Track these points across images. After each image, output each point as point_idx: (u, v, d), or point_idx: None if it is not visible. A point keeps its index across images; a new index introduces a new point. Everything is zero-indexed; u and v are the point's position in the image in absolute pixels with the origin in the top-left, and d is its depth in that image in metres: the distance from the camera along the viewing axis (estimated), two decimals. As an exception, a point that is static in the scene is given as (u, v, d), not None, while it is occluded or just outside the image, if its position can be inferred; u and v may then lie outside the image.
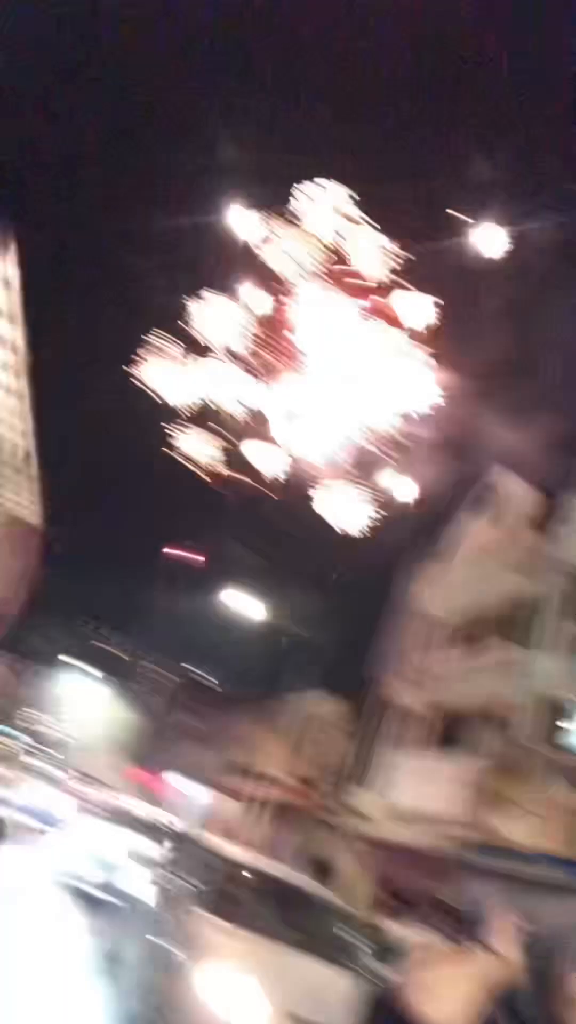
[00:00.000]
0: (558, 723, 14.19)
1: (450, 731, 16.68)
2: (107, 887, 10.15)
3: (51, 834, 15.07)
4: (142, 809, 15.69)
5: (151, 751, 46.17)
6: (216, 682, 54.52)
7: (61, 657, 66.17)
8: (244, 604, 24.28)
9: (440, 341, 10.58)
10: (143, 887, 7.68)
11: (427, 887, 12.80)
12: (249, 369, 10.75)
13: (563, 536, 16.16)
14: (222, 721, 37.28)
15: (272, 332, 10.70)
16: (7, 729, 19.98)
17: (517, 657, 15.49)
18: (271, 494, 11.28)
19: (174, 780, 38.19)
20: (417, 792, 15.75)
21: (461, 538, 20.39)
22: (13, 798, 21.60)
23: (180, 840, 8.01)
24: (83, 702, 61.97)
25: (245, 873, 7.41)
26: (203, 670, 59.04)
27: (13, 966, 5.96)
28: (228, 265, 10.80)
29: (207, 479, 11.35)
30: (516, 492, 18.87)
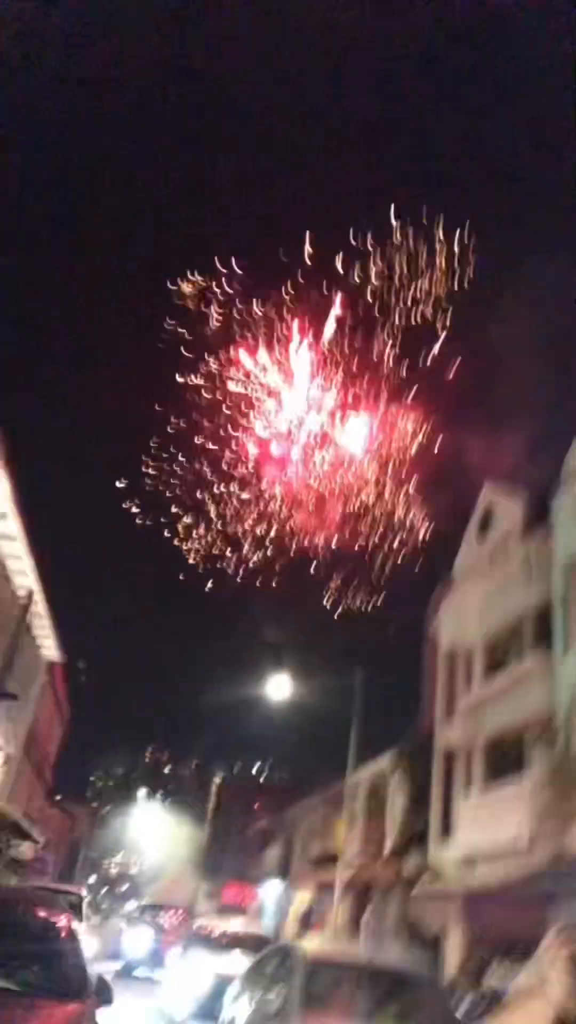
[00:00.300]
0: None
1: (502, 759, 16.59)
2: (206, 1014, 10.20)
3: (159, 976, 15.01)
4: (236, 927, 15.56)
5: (231, 864, 45.13)
6: (275, 776, 53.69)
7: (116, 790, 65.14)
8: (284, 691, 24.19)
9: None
10: (244, 1004, 7.64)
11: (522, 925, 12.59)
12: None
13: (558, 535, 16.44)
14: (291, 816, 36.65)
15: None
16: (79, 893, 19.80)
17: (544, 667, 15.60)
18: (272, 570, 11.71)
19: (262, 887, 37.37)
20: (486, 830, 15.59)
21: (466, 562, 20.70)
22: (117, 951, 21.32)
23: (278, 953, 7.91)
24: (155, 831, 60.97)
25: (346, 971, 7.31)
26: (260, 767, 58.20)
27: None
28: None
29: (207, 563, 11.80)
30: (509, 504, 19.26)
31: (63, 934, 5.17)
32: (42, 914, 5.50)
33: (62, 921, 5.37)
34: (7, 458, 13.52)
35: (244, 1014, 7.38)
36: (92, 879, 71.08)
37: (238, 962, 10.48)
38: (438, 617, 21.55)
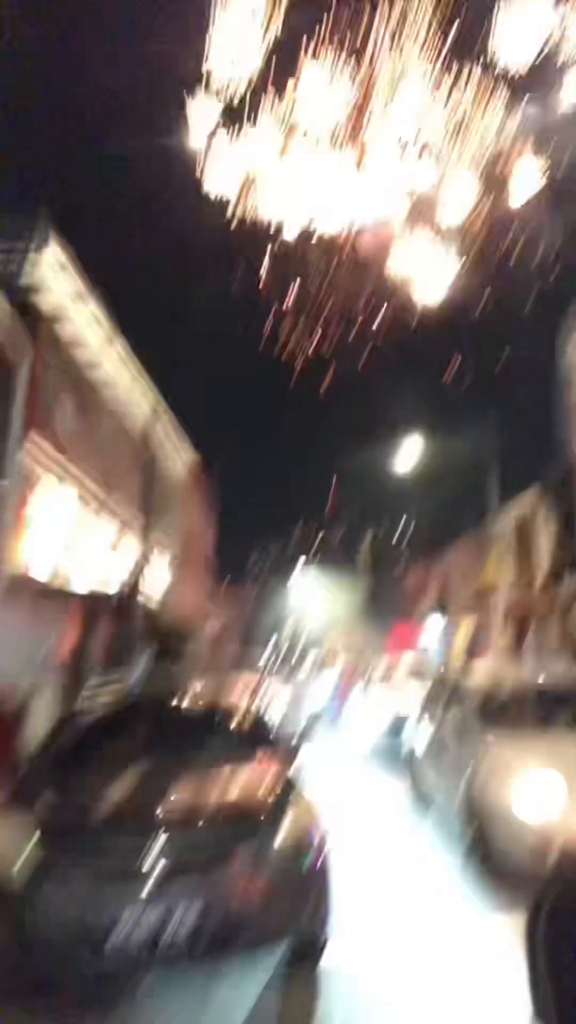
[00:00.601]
0: None
1: None
2: (401, 744, 11.68)
3: (346, 717, 17.25)
4: (408, 665, 17.13)
5: (393, 611, 48.86)
6: (423, 526, 55.89)
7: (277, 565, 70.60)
8: (419, 451, 24.35)
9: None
10: (425, 728, 8.67)
11: None
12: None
13: None
14: (443, 561, 38.48)
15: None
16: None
17: None
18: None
19: (425, 627, 40.48)
20: None
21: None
22: (304, 702, 24.49)
23: (450, 683, 8.73)
24: (317, 595, 66.60)
25: (515, 690, 7.98)
26: (407, 522, 60.59)
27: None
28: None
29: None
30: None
31: (250, 706, 5.98)
32: (230, 692, 6.34)
33: (248, 695, 6.18)
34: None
35: (425, 740, 8.41)
36: (273, 641, 79.54)
37: (413, 696, 11.68)
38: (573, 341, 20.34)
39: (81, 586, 14.03)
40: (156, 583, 17.59)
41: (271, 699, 15.97)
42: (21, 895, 3.82)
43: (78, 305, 14.09)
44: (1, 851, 4.06)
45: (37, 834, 4.06)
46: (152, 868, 3.81)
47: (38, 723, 11.51)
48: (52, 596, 13.23)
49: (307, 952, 4.33)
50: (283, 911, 4.02)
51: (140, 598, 14.99)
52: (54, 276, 12.98)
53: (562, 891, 1.29)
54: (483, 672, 11.08)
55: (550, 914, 1.25)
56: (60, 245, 12.39)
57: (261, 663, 21.77)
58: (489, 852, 5.68)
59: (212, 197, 10.48)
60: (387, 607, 48.79)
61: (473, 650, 30.18)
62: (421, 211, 11.28)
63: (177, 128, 10.38)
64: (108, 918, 3.70)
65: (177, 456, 26.06)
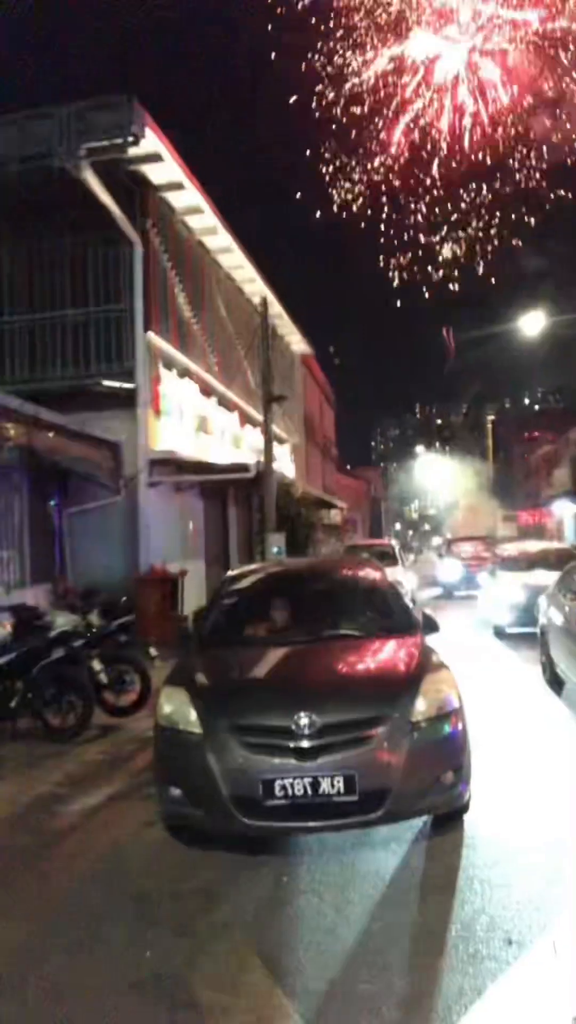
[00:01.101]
0: None
1: None
2: (523, 622, 11.66)
3: (477, 595, 17.36)
4: (535, 546, 16.77)
5: (522, 490, 47.50)
6: (549, 401, 53.24)
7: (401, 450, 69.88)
8: (539, 325, 23.13)
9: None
10: (557, 613, 8.60)
11: None
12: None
13: None
14: (573, 435, 36.72)
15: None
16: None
17: None
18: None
19: (556, 506, 39.20)
20: None
21: None
22: (435, 579, 24.79)
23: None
24: (441, 476, 65.68)
25: None
26: (532, 397, 57.84)
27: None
28: None
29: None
30: None
31: (384, 586, 6.04)
32: (363, 573, 6.42)
33: (380, 576, 6.23)
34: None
35: (560, 619, 8.30)
36: (398, 526, 79.89)
37: (545, 576, 11.48)
38: None
39: (217, 468, 14.48)
40: (280, 471, 17.89)
41: (400, 578, 16.21)
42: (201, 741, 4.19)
43: (177, 193, 13.81)
44: (172, 709, 4.44)
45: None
46: (301, 738, 4.04)
47: (191, 595, 12.37)
48: (194, 472, 13.76)
49: (448, 816, 4.53)
50: (425, 777, 4.19)
51: (274, 478, 15.29)
52: (151, 167, 12.72)
53: None
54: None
55: None
56: (157, 135, 12.04)
57: (388, 543, 21.90)
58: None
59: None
60: (517, 485, 47.51)
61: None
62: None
63: None
64: (261, 783, 3.99)
65: (293, 345, 25.76)
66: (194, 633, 5.71)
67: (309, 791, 3.97)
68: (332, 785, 3.97)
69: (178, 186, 13.60)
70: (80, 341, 12.90)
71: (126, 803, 5.38)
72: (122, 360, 12.71)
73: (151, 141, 12.03)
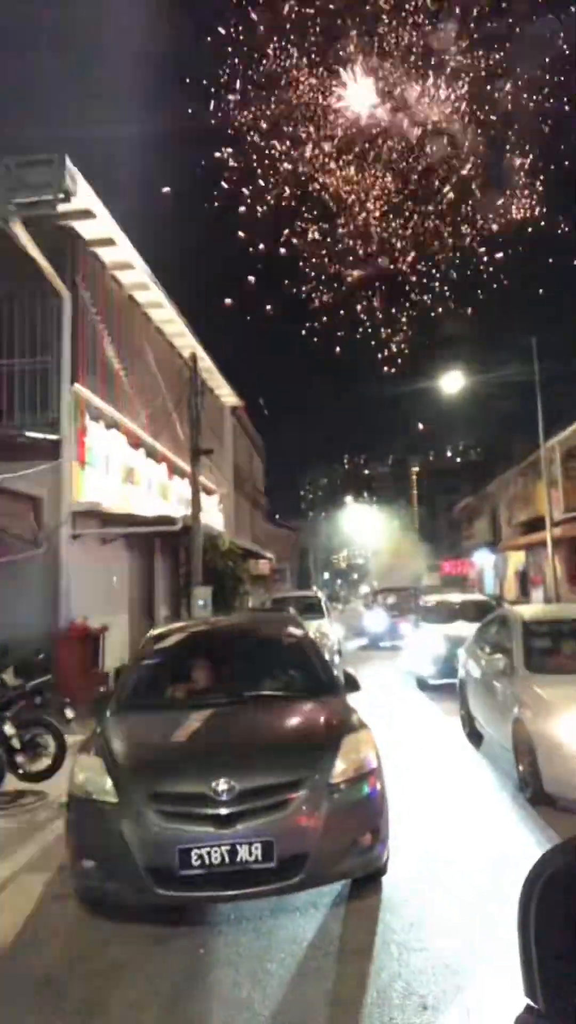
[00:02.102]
0: None
1: None
2: (444, 673, 11.88)
3: (401, 645, 17.62)
4: (456, 598, 17.16)
5: (445, 541, 48.69)
6: (471, 455, 55.15)
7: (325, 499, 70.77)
8: (459, 383, 24.15)
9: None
10: (474, 666, 8.79)
11: None
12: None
13: None
14: (492, 489, 37.96)
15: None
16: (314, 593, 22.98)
17: None
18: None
19: (477, 557, 40.29)
20: None
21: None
22: (361, 629, 25.07)
23: (499, 618, 8.80)
24: (368, 525, 66.75)
25: (563, 627, 8.00)
26: (454, 450, 59.83)
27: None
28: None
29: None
30: None
31: (306, 644, 6.09)
32: (285, 631, 6.46)
33: (302, 634, 6.28)
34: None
35: (477, 672, 8.51)
36: (326, 575, 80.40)
37: (465, 627, 11.78)
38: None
39: (143, 520, 14.36)
40: (208, 522, 17.88)
41: (326, 630, 16.30)
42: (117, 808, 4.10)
43: (108, 249, 13.98)
44: (85, 778, 4.34)
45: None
46: (218, 804, 4.00)
47: (113, 651, 12.10)
48: (119, 524, 13.60)
49: (367, 878, 4.53)
50: (343, 840, 4.20)
51: (201, 531, 15.26)
52: (82, 223, 12.86)
53: (561, 867, 1.24)
54: (531, 609, 11.08)
55: (546, 890, 1.20)
56: (88, 192, 12.21)
57: (314, 595, 22.09)
58: (539, 787, 5.79)
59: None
60: (440, 536, 48.66)
61: (525, 581, 30.02)
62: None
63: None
64: (177, 852, 3.92)
65: (223, 397, 26.02)
66: (112, 695, 5.62)
67: (227, 859, 3.93)
68: (250, 852, 3.94)
69: (109, 242, 13.76)
70: (4, 392, 12.75)
71: (38, 875, 5.18)
72: (47, 411, 12.60)
73: (83, 198, 12.18)
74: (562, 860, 1.24)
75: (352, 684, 5.70)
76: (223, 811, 3.99)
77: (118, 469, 14.65)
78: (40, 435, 11.98)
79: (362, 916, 4.34)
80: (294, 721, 4.95)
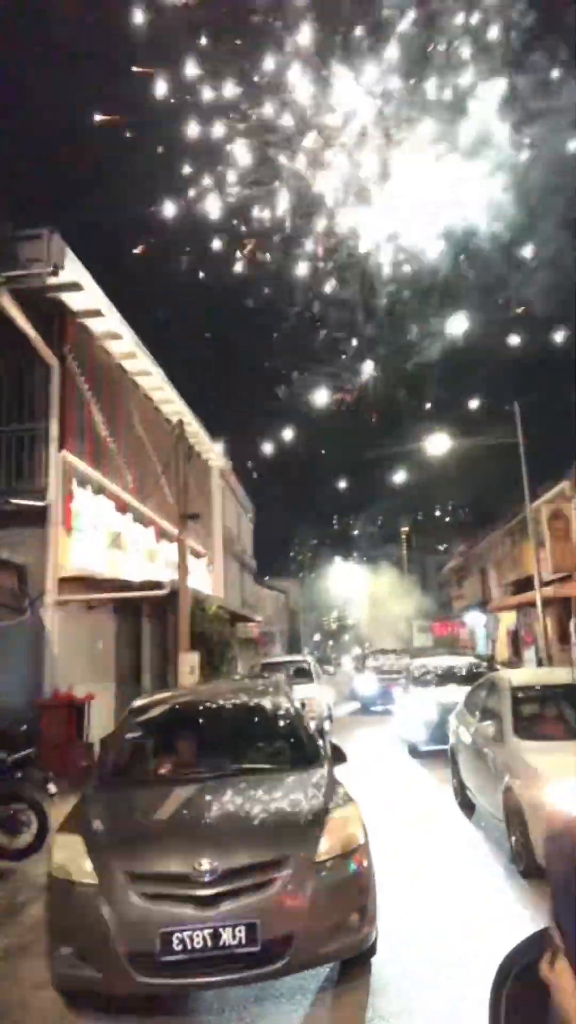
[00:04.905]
0: None
1: None
2: (436, 739, 11.71)
3: (392, 709, 17.39)
4: (446, 662, 16.98)
5: (434, 601, 48.55)
6: (459, 515, 55.54)
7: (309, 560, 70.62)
8: (445, 445, 24.52)
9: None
10: (465, 732, 8.67)
11: None
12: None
13: None
14: (481, 549, 38.13)
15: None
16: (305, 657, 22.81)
17: None
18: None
19: (468, 617, 40.14)
20: None
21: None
22: (353, 693, 24.76)
23: (487, 683, 8.73)
24: (358, 586, 66.59)
25: (551, 692, 7.96)
26: (443, 510, 60.24)
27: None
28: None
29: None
30: None
31: (292, 715, 6.00)
32: (271, 701, 6.37)
33: (288, 704, 6.20)
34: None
35: (467, 739, 8.40)
36: (316, 636, 79.73)
37: (456, 692, 11.66)
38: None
39: (130, 585, 14.28)
40: (196, 585, 17.80)
41: (316, 695, 16.08)
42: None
43: (97, 320, 14.29)
44: (65, 859, 4.21)
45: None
46: (201, 885, 3.89)
47: (99, 721, 11.86)
48: (106, 589, 13.49)
49: (355, 960, 4.38)
50: (329, 920, 4.07)
51: (188, 596, 15.17)
52: (70, 295, 13.18)
53: (529, 963, 1.22)
54: (520, 673, 11.00)
55: (515, 988, 1.19)
56: (76, 266, 12.56)
57: (304, 659, 21.87)
58: (532, 859, 5.67)
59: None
60: (430, 597, 48.54)
61: (517, 640, 29.88)
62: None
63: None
64: (158, 936, 3.79)
65: (211, 460, 26.26)
66: (93, 770, 5.50)
67: (209, 943, 3.80)
68: (233, 935, 3.82)
69: (97, 313, 14.07)
70: (-9, 459, 12.82)
71: (17, 961, 4.98)
72: (34, 478, 12.66)
73: (71, 271, 12.51)
74: (532, 955, 1.22)
75: (339, 756, 5.60)
76: (206, 892, 3.88)
77: (105, 534, 14.64)
78: (27, 502, 12.00)
79: (351, 1001, 4.20)
80: (279, 797, 4.85)
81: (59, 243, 12.23)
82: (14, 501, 11.83)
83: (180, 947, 3.78)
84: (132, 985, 3.83)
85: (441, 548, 50.13)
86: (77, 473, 13.52)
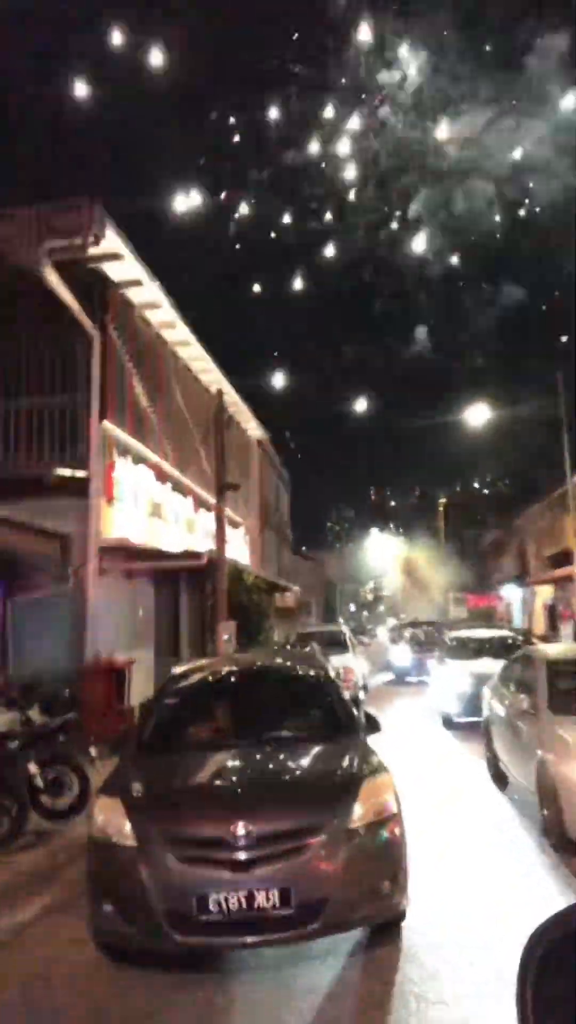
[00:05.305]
0: None
1: None
2: (470, 711, 11.75)
3: (427, 681, 17.48)
4: (482, 634, 16.93)
5: (472, 574, 48.22)
6: (499, 487, 54.84)
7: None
8: (484, 415, 24.21)
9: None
10: (499, 705, 8.68)
11: None
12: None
13: None
14: (520, 523, 37.68)
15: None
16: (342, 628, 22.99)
17: None
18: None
19: (505, 590, 39.84)
20: None
21: None
22: (387, 663, 24.92)
23: (523, 658, 8.70)
24: (395, 558, 66.49)
25: None
26: (482, 482, 59.52)
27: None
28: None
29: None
30: None
31: (328, 684, 6.08)
32: (307, 671, 6.47)
33: (324, 674, 6.27)
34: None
35: (502, 712, 8.41)
36: (352, 607, 79.96)
37: (491, 664, 11.64)
38: None
39: (169, 555, 14.47)
40: (233, 555, 17.98)
41: (351, 665, 16.21)
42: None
43: (136, 290, 14.31)
44: (105, 821, 4.37)
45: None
46: (236, 849, 4.01)
47: (138, 687, 12.16)
48: (146, 559, 13.70)
49: (386, 926, 4.49)
50: (362, 887, 4.17)
51: (226, 566, 15.34)
52: (110, 266, 13.21)
53: (558, 939, 1.24)
54: (556, 648, 10.93)
55: (544, 963, 1.21)
56: (117, 235, 12.56)
57: (340, 630, 22.00)
58: (563, 833, 5.70)
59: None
60: (467, 569, 48.23)
61: (554, 614, 29.60)
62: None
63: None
64: (195, 898, 3.93)
65: (249, 430, 26.29)
66: (133, 735, 5.66)
67: (244, 905, 3.93)
68: (267, 899, 3.94)
69: (137, 283, 14.09)
70: (34, 430, 13.03)
71: (59, 918, 5.20)
72: (76, 448, 12.84)
73: (111, 241, 12.52)
74: (560, 932, 1.26)
75: (373, 725, 5.67)
76: (241, 856, 4.00)
77: (145, 504, 14.83)
78: (69, 472, 12.19)
79: (381, 965, 4.30)
80: (313, 764, 4.95)
81: (100, 212, 12.22)
82: (58, 472, 12.02)
83: (216, 909, 3.92)
84: (169, 943, 3.98)
85: (479, 521, 49.63)
86: (118, 443, 13.67)
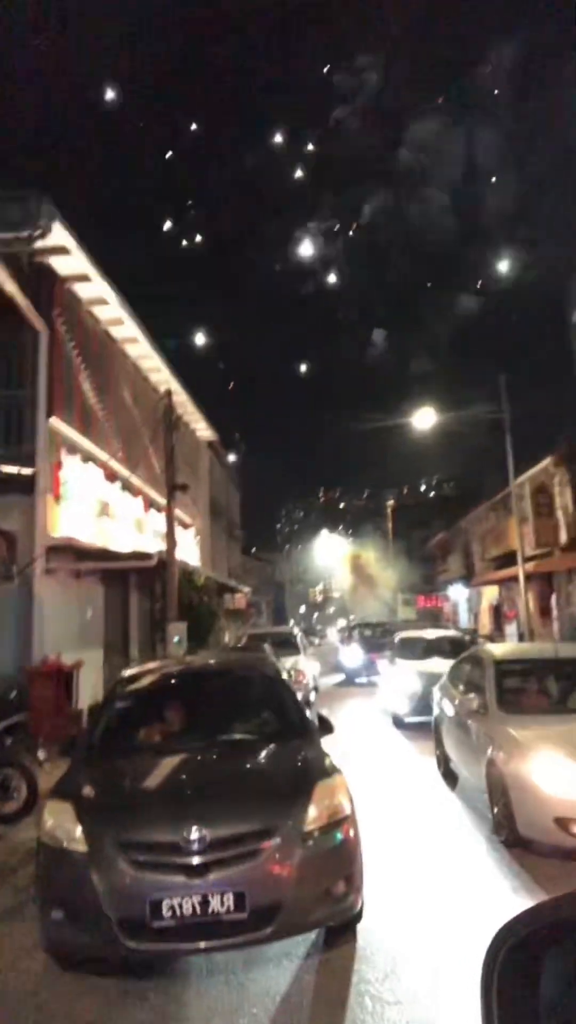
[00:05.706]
0: None
1: None
2: (420, 711, 11.86)
3: (377, 681, 17.61)
4: (430, 634, 17.10)
5: (419, 575, 48.85)
6: (444, 490, 55.75)
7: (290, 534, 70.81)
8: (431, 420, 24.50)
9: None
10: (448, 705, 8.77)
11: None
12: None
13: None
14: (465, 524, 38.30)
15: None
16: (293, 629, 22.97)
17: None
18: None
19: (452, 591, 40.45)
20: None
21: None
22: (337, 664, 25.01)
23: (471, 658, 8.79)
24: (343, 559, 66.91)
25: (534, 665, 8.06)
26: (427, 485, 60.46)
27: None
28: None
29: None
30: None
31: (279, 686, 6.05)
32: (258, 672, 6.43)
33: (276, 675, 6.24)
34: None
35: (451, 711, 8.50)
36: (302, 608, 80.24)
37: (440, 664, 11.77)
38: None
39: (118, 555, 14.25)
40: (183, 556, 17.81)
41: (302, 667, 16.20)
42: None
43: (84, 285, 14.08)
44: (55, 825, 4.25)
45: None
46: (190, 854, 3.94)
47: (87, 688, 11.93)
48: (94, 559, 13.46)
49: (341, 927, 4.47)
50: (316, 888, 4.14)
51: (176, 567, 15.17)
52: (57, 259, 12.96)
53: (522, 938, 1.24)
54: (504, 648, 11.15)
55: (507, 961, 1.20)
56: (64, 228, 12.32)
57: (290, 631, 22.00)
58: (514, 830, 5.78)
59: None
60: (414, 570, 48.84)
61: (499, 614, 30.19)
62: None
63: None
64: (148, 903, 3.85)
65: (199, 431, 26.11)
66: (83, 739, 5.53)
67: (198, 910, 3.86)
68: (222, 903, 3.88)
69: (84, 278, 13.86)
70: (-21, 426, 12.68)
71: (5, 925, 5.04)
72: (22, 445, 12.54)
73: (58, 234, 12.29)
74: (524, 931, 1.25)
75: (326, 726, 5.65)
76: (195, 860, 3.93)
77: (93, 503, 14.58)
78: (15, 469, 11.91)
79: (336, 967, 4.28)
80: (266, 767, 4.90)
81: (47, 206, 11.99)
82: (2, 469, 11.73)
83: (170, 914, 3.84)
84: (122, 950, 3.89)
85: (426, 522, 50.35)
86: (65, 440, 13.41)
